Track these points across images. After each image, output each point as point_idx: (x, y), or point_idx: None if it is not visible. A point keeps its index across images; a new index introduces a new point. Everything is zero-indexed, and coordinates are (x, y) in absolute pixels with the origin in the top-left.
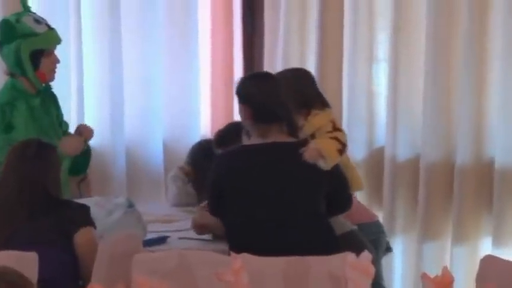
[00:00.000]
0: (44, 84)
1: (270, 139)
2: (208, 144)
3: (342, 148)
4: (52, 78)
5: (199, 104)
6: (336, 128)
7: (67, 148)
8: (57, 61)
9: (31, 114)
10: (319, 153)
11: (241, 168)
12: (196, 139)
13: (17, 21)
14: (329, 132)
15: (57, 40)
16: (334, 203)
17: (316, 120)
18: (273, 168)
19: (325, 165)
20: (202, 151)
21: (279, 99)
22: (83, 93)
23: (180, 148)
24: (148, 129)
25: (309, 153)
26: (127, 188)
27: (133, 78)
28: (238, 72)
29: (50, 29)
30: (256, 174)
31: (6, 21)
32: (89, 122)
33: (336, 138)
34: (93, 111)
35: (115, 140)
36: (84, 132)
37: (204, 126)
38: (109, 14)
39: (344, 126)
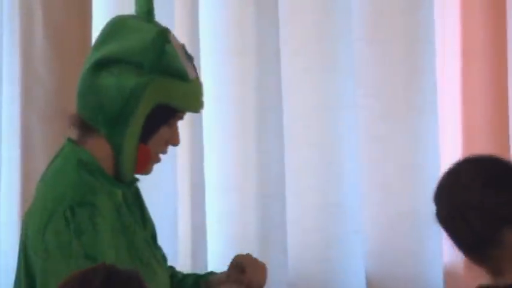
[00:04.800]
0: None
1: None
2: None
3: None
4: (149, 169)
5: None
6: None
7: None
8: (177, 141)
9: (120, 223)
10: None
11: None
12: (433, 271)
13: (168, 40)
14: None
15: (201, 102)
16: None
17: None
18: None
19: None
20: None
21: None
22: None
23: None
24: (334, 253)
25: None
26: None
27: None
28: None
29: (197, 77)
30: None
31: (159, 33)
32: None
33: None
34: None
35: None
36: (250, 271)
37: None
38: None
39: None
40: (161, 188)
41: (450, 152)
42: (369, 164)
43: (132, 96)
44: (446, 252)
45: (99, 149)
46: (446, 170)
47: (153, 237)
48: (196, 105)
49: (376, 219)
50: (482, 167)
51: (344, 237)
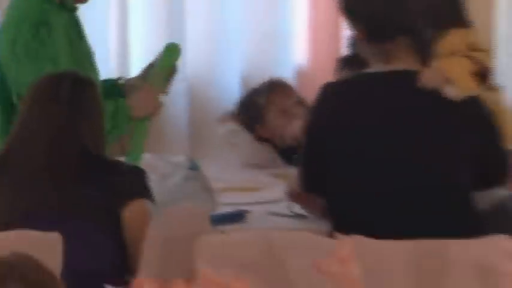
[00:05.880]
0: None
1: (392, 65)
2: None
3: (480, 71)
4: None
5: (292, 19)
6: (474, 49)
7: (137, 107)
8: None
9: (68, 36)
10: (441, 75)
11: (350, 111)
12: (288, 71)
13: None
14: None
15: None
16: (480, 169)
17: (447, 43)
18: (395, 111)
19: (453, 92)
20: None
21: (400, 3)
22: (126, 8)
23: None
24: (220, 59)
25: (426, 76)
26: (189, 142)
27: None
28: None
29: None
30: (372, 121)
31: None
32: (135, 51)
33: (470, 58)
34: (141, 35)
35: None
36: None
37: (301, 51)
38: None
39: None
40: (93, 10)
41: None
42: None
43: None
44: (299, 58)
45: None
46: None
47: (90, 52)
48: None
49: (250, 35)
50: None
51: (226, 47)
